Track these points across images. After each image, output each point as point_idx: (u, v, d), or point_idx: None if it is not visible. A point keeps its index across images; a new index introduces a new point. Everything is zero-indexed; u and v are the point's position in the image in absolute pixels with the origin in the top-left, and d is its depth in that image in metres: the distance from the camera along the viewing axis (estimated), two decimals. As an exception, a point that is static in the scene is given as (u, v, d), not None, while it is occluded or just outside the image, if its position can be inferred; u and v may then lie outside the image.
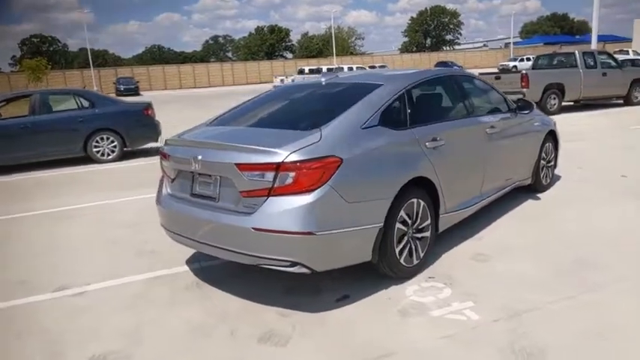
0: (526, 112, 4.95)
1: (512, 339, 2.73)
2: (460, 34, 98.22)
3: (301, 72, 37.05)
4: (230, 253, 3.17)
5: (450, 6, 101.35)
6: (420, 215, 3.54)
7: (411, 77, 4.00)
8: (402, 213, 3.37)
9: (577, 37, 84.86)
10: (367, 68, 28.16)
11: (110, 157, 9.73)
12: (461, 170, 4.00)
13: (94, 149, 9.64)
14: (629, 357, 2.56)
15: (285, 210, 2.89)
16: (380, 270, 3.41)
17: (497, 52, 76.27)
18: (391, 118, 3.52)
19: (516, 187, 5.16)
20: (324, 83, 4.13)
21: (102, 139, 9.67)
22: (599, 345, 2.65)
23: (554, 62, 15.34)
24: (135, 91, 43.34)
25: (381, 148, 3.33)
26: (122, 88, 43.23)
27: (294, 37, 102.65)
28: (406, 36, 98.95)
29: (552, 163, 5.81)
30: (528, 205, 5.26)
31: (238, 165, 3.01)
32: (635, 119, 11.95)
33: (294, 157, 2.89)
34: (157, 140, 10.02)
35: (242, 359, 2.73)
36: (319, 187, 2.89)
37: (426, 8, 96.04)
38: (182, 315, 3.25)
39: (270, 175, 2.92)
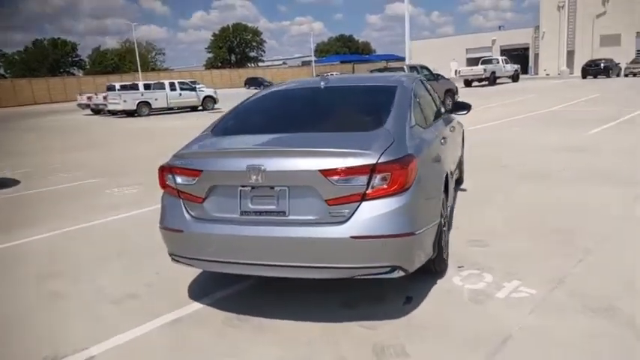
0: (464, 112, 5.52)
1: (580, 300, 3.10)
2: (263, 51, 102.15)
3: (110, 89, 33.87)
4: (312, 269, 2.87)
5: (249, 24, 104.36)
6: (446, 209, 3.72)
7: (408, 80, 4.14)
8: (441, 208, 3.50)
9: (366, 55, 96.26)
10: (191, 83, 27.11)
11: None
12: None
13: None
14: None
15: (384, 213, 2.76)
16: (430, 266, 3.45)
17: (300, 69, 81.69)
18: (418, 117, 3.63)
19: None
20: (323, 87, 3.97)
21: None
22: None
23: None
24: None
25: (427, 145, 3.41)
26: None
27: (82, 52, 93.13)
28: (210, 52, 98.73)
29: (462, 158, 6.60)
30: (463, 195, 5.89)
31: (324, 171, 2.75)
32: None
33: (386, 158, 2.78)
34: None
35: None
36: (411, 186, 2.84)
37: (228, 25, 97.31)
38: (259, 352, 2.80)
39: (363, 179, 2.75)
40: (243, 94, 45.47)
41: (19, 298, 3.82)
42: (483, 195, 5.86)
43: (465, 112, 5.45)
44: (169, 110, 26.59)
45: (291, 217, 2.88)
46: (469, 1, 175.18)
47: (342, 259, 2.80)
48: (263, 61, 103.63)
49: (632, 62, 33.88)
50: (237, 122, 3.75)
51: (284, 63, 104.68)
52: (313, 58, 75.92)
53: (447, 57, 51.39)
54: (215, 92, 28.60)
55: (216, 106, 27.29)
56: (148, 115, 25.00)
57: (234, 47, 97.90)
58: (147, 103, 25.31)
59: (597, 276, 3.48)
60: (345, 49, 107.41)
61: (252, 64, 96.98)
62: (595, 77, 33.64)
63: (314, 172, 2.77)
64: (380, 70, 18.33)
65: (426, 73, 17.00)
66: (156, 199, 6.58)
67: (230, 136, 3.50)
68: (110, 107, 25.55)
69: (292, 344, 2.87)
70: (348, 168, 2.75)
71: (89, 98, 29.60)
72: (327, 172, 2.76)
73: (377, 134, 3.06)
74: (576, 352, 2.61)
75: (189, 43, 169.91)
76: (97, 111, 28.39)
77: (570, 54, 43.35)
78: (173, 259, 3.32)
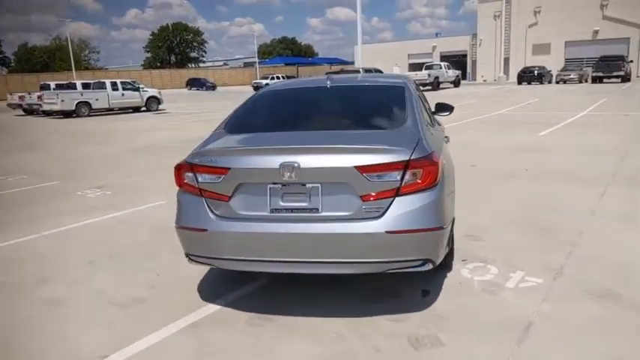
0: (447, 113, 5.70)
1: (582, 287, 3.34)
2: (205, 52, 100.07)
3: (45, 88, 31.85)
4: (345, 265, 2.90)
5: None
6: None
7: (408, 80, 4.26)
8: None
9: (310, 58, 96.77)
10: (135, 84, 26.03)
11: None
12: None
13: None
14: None
15: (417, 208, 2.84)
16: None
17: (242, 70, 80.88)
18: (425, 116, 3.75)
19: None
20: (331, 86, 3.99)
21: None
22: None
23: None
24: None
25: (440, 143, 3.54)
26: None
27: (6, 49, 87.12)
28: (148, 52, 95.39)
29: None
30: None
31: (360, 167, 2.80)
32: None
33: (417, 154, 2.87)
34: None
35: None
36: (439, 182, 2.94)
37: (167, 24, 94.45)
38: (294, 349, 2.79)
39: (396, 175, 2.82)
40: (187, 94, 44.52)
41: (13, 307, 3.56)
42: (465, 193, 6.09)
43: (447, 113, 5.63)
44: (110, 111, 25.42)
45: (324, 214, 2.89)
46: (407, 8, 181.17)
47: (377, 253, 2.85)
48: (204, 61, 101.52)
49: (563, 70, 36.39)
50: (253, 120, 3.71)
51: (225, 64, 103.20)
52: (257, 60, 75.31)
53: (390, 62, 52.69)
54: (159, 93, 27.65)
55: (160, 107, 26.37)
56: (88, 115, 23.78)
57: (174, 47, 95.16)
58: (86, 104, 24.04)
59: (590, 265, 3.74)
60: (288, 51, 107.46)
61: (193, 65, 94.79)
62: (529, 83, 35.80)
63: (350, 169, 2.81)
64: (336, 73, 18.47)
65: (373, 73, 17.40)
66: (131, 201, 6.43)
67: (252, 134, 3.46)
68: (46, 107, 24.01)
69: (325, 340, 2.89)
70: (383, 164, 2.81)
71: (21, 98, 27.66)
72: (362, 169, 2.80)
73: (402, 132, 3.14)
74: (595, 335, 2.81)
75: (124, 42, 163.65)
76: (30, 111, 26.63)
77: (506, 61, 45.83)
78: (190, 260, 3.23)
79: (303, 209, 2.92)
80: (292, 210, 2.94)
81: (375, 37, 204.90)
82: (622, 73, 31.19)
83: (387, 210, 2.83)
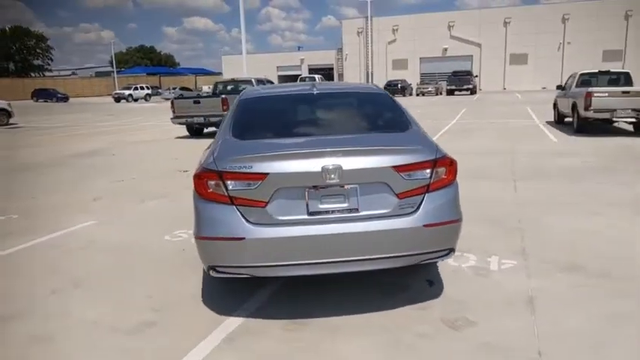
0: None
1: (550, 264, 3.95)
2: (51, 59, 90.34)
3: None
4: (385, 260, 3.09)
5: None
6: None
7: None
8: None
9: (173, 68, 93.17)
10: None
11: None
12: None
13: None
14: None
15: (444, 202, 3.15)
16: None
17: (100, 80, 74.95)
18: None
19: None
20: (316, 93, 4.09)
21: None
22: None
23: (241, 88, 17.10)
24: None
25: None
26: None
27: None
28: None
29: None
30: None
31: (397, 167, 3.00)
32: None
33: (440, 154, 3.18)
34: None
35: (464, 339, 2.85)
36: (456, 178, 3.28)
37: (5, 28, 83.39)
38: (348, 344, 2.88)
39: (427, 172, 3.09)
40: (36, 107, 39.56)
41: (-9, 350, 3.03)
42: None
43: None
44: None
45: (363, 213, 3.03)
46: (267, 21, 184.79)
47: (414, 246, 3.08)
48: (50, 70, 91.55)
49: (421, 83, 40.55)
50: (262, 126, 3.67)
51: (73, 73, 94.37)
52: (115, 69, 70.34)
53: (258, 73, 53.30)
54: (9, 105, 24.06)
55: (11, 120, 22.90)
56: None
57: (13, 54, 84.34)
58: None
59: (543, 246, 4.41)
60: (147, 60, 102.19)
61: (37, 74, 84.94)
62: (394, 95, 38.99)
63: (387, 169, 3.00)
64: (225, 83, 18.17)
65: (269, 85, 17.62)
66: (52, 223, 5.71)
67: (272, 140, 3.43)
68: None
69: (370, 333, 3.02)
70: (417, 163, 3.05)
71: None
72: (399, 168, 3.01)
73: (415, 134, 3.42)
74: (585, 299, 3.38)
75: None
76: None
77: (370, 74, 49.37)
78: (216, 272, 3.11)
79: (343, 210, 3.03)
80: (332, 212, 3.01)
81: (236, 48, 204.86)
82: (471, 86, 35.81)
83: (420, 206, 3.08)
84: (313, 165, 2.96)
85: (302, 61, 56.94)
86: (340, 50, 53.54)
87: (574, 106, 12.23)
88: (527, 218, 5.26)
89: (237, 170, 2.99)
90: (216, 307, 3.44)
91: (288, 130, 3.65)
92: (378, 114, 3.92)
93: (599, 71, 13.14)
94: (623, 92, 11.07)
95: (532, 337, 2.90)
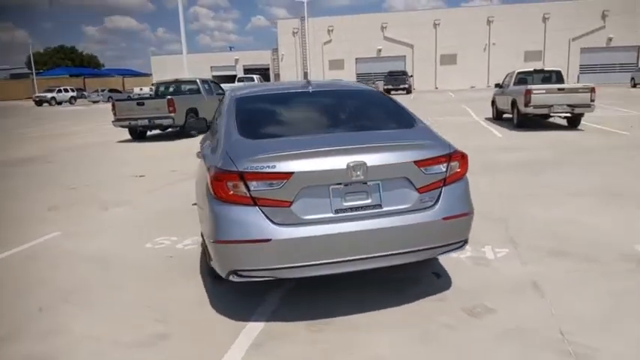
0: None
1: (540, 250, 4.18)
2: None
3: None
4: (408, 254, 3.11)
5: None
6: None
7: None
8: None
9: (97, 70, 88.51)
10: None
11: None
12: None
13: None
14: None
15: (459, 195, 3.24)
16: None
17: (17, 82, 69.76)
18: None
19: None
20: (311, 91, 4.05)
21: None
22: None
23: (185, 89, 16.53)
24: None
25: None
26: None
27: None
28: None
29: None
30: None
31: (418, 162, 3.04)
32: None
33: (453, 148, 3.26)
34: None
35: (489, 326, 2.95)
36: (467, 171, 3.38)
37: None
38: (380, 338, 2.88)
39: (443, 166, 3.16)
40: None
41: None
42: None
43: None
44: None
45: (385, 209, 3.04)
46: (194, 21, 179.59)
47: (435, 239, 3.14)
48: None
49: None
50: (270, 125, 3.60)
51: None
52: (33, 71, 65.63)
53: (191, 74, 51.98)
54: None
55: None
56: None
57: None
58: None
59: (529, 234, 4.64)
60: (68, 61, 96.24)
61: None
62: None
63: (409, 164, 3.03)
64: (167, 84, 17.42)
65: (219, 90, 17.24)
66: (12, 236, 5.22)
67: (286, 138, 3.34)
68: None
69: (396, 328, 3.04)
70: (435, 157, 3.12)
71: None
72: (419, 163, 3.06)
73: (424, 129, 3.49)
74: (583, 281, 3.60)
75: None
76: None
77: (307, 75, 49.45)
78: (238, 276, 2.99)
79: (367, 206, 3.02)
80: (357, 208, 3.00)
81: (163, 48, 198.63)
82: (407, 85, 36.97)
83: (438, 199, 3.14)
84: (338, 162, 2.94)
85: (237, 61, 56.04)
86: (276, 50, 53.29)
87: (514, 103, 12.98)
88: (505, 209, 5.50)
89: (259, 170, 2.90)
90: (229, 313, 3.31)
91: (299, 129, 3.58)
92: (382, 111, 3.95)
93: (534, 70, 14.06)
94: (559, 89, 11.92)
95: (550, 319, 3.06)
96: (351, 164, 2.93)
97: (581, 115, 12.26)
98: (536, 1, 45.36)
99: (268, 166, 2.90)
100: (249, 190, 2.92)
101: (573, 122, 12.55)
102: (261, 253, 2.91)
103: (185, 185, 7.61)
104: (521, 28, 44.09)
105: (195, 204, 4.11)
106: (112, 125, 14.55)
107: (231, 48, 64.41)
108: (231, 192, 2.94)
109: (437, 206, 3.13)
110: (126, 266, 4.29)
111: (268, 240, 2.87)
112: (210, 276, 3.70)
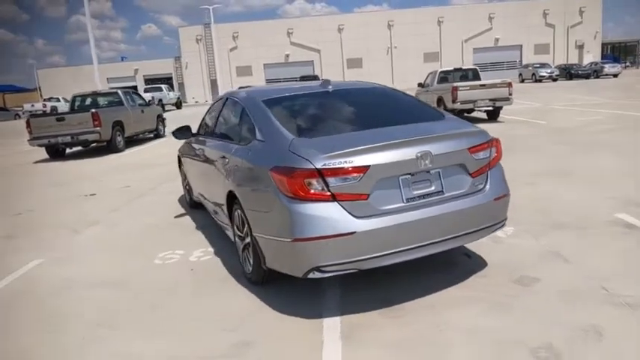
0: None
1: (543, 226, 4.68)
2: None
3: None
4: (465, 236, 3.36)
5: None
6: None
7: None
8: None
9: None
10: None
11: None
12: None
13: None
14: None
15: (499, 177, 3.58)
16: None
17: None
18: None
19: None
20: (330, 90, 4.14)
21: None
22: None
23: (105, 102, 15.44)
24: None
25: None
26: None
27: None
28: None
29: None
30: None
31: (470, 148, 3.31)
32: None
33: (490, 135, 3.56)
34: None
35: (542, 291, 3.30)
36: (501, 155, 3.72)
37: None
38: (459, 318, 3.10)
39: (488, 152, 3.46)
40: None
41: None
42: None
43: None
44: None
45: (447, 194, 3.27)
46: (78, 31, 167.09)
47: (487, 220, 3.43)
48: None
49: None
50: (322, 123, 3.70)
51: None
52: None
53: (85, 86, 48.64)
54: None
55: None
56: None
57: None
58: None
59: (527, 213, 5.09)
60: None
61: None
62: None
63: (464, 151, 3.30)
64: (84, 96, 16.14)
65: (140, 100, 16.39)
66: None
67: (347, 134, 3.44)
68: None
69: (464, 304, 3.28)
70: (483, 144, 3.42)
71: None
72: (471, 149, 3.35)
73: (457, 119, 3.78)
74: (596, 248, 4.09)
75: None
76: None
77: (213, 82, 48.45)
78: (321, 272, 3.03)
79: (432, 193, 3.22)
80: (424, 196, 3.18)
81: (44, 61, 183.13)
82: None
83: (486, 182, 3.43)
84: (409, 153, 3.11)
85: (136, 71, 53.40)
86: (178, 58, 51.61)
87: (440, 100, 13.97)
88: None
89: (337, 166, 2.98)
90: (297, 313, 3.32)
91: (347, 126, 3.71)
92: (411, 105, 4.20)
93: (454, 68, 15.28)
94: (481, 85, 13.07)
95: (588, 280, 3.48)
96: (419, 154, 3.12)
97: (501, 108, 13.53)
98: (431, 5, 49.03)
99: (346, 162, 2.99)
100: (327, 186, 2.98)
101: (493, 115, 13.81)
102: (346, 246, 2.99)
103: (149, 201, 7.27)
104: (419, 32, 47.16)
105: (177, 216, 3.97)
106: (11, 146, 13.21)
107: (123, 58, 61.21)
108: (311, 190, 2.98)
109: (487, 189, 3.42)
110: (146, 287, 4.04)
111: (352, 233, 2.96)
112: (249, 281, 3.78)
